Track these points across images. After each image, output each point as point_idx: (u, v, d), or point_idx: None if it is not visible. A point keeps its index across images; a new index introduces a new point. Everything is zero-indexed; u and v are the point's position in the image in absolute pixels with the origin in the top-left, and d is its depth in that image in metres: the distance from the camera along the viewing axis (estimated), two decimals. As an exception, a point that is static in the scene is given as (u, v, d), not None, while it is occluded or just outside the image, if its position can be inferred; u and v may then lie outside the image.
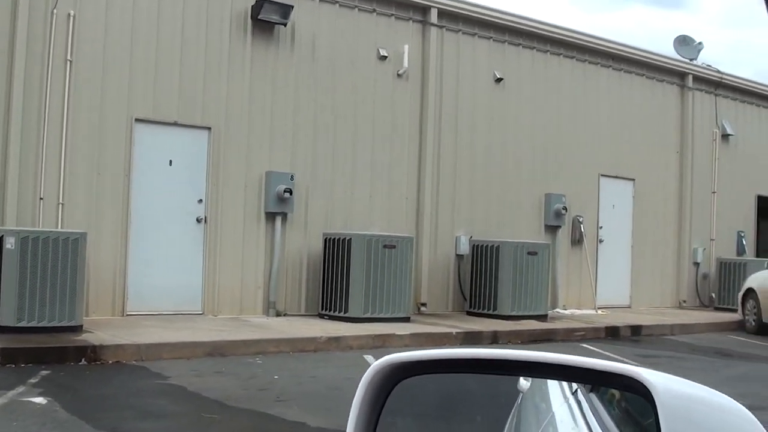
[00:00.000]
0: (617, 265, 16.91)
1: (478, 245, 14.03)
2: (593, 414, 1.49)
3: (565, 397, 1.62)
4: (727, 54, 55.60)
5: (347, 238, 12.23)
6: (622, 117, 17.00)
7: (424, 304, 13.81)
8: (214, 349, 9.68)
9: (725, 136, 19.01)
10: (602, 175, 16.61)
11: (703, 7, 64.49)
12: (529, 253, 13.68)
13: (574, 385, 1.60)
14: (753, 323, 15.30)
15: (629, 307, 17.04)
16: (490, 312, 13.58)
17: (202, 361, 9.24)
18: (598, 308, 15.95)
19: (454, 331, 11.72)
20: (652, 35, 61.49)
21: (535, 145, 15.52)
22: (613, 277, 16.81)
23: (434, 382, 1.52)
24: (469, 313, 13.93)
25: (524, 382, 1.65)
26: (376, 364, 1.45)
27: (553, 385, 1.65)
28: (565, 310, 15.50)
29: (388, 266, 12.22)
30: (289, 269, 12.67)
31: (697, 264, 18.42)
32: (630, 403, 1.38)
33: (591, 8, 59.85)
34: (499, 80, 14.96)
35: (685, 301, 18.11)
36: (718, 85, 18.94)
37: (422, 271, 13.82)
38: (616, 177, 16.86)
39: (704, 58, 19.22)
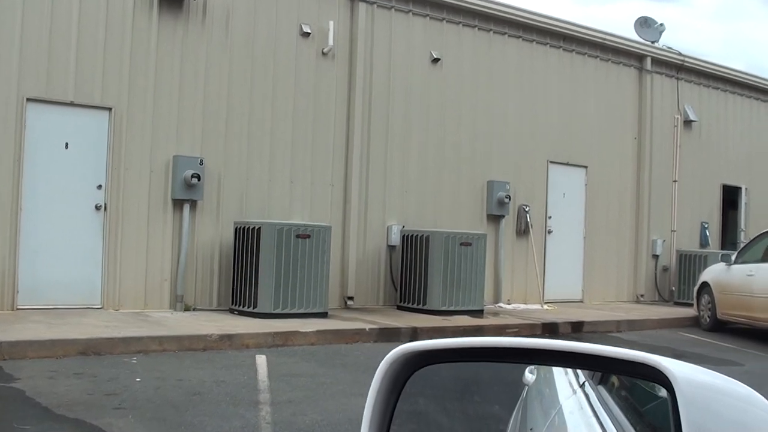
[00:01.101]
0: (568, 257, 15.97)
1: (407, 235, 13.15)
2: (602, 406, 1.47)
3: (572, 389, 1.59)
4: (720, 47, 54.72)
5: (257, 227, 11.36)
6: (573, 101, 16.03)
7: (351, 298, 12.97)
8: (89, 347, 8.86)
9: (688, 122, 18.01)
10: (551, 162, 15.65)
11: (696, 1, 63.52)
12: (462, 244, 12.80)
13: (582, 377, 1.58)
14: (708, 320, 14.44)
15: (581, 301, 16.12)
16: (420, 306, 12.74)
17: (70, 361, 8.44)
18: (547, 303, 15.06)
19: (368, 327, 10.85)
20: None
21: (476, 130, 14.58)
22: (564, 270, 15.87)
23: (449, 368, 1.51)
24: (399, 308, 13.08)
25: (529, 375, 1.62)
26: (392, 353, 1.44)
27: (560, 377, 1.63)
28: (509, 304, 14.64)
29: (302, 258, 11.36)
30: (199, 261, 11.81)
31: (656, 256, 17.49)
32: (630, 392, 1.40)
33: (585, 0, 58.92)
34: (436, 60, 14.01)
35: (642, 296, 17.18)
36: (680, 69, 17.93)
37: (349, 263, 12.96)
38: (567, 164, 15.91)
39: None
